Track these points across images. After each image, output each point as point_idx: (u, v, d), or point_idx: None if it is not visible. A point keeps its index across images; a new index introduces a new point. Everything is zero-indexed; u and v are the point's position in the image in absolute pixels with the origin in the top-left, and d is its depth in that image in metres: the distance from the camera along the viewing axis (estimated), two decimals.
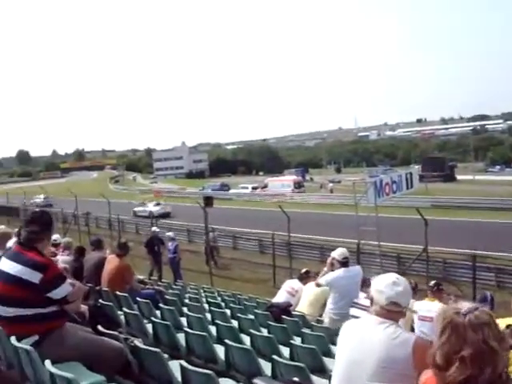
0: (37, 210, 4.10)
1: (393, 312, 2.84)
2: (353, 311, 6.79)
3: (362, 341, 2.81)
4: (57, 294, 3.66)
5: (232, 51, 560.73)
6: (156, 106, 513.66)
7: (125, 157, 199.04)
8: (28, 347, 3.26)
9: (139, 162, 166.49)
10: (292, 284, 9.70)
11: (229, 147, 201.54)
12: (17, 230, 4.50)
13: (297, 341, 6.17)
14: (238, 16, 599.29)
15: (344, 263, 7.43)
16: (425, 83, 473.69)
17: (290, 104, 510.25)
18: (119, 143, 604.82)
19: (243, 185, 70.23)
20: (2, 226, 13.77)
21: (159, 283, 12.10)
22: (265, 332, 6.56)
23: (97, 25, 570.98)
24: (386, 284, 2.87)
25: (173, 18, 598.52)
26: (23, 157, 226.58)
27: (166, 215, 40.15)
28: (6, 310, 3.59)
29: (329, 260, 7.68)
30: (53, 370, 2.98)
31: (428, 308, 6.76)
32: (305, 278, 9.58)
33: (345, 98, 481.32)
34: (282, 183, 62.48)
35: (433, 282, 7.78)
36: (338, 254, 7.53)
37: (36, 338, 3.57)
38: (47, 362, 3.04)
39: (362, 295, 7.25)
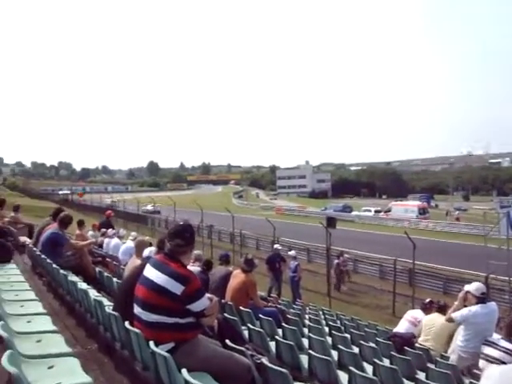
0: (181, 223, 4.22)
1: None
2: (488, 351, 6.39)
3: None
4: (196, 306, 3.77)
5: (360, 74, 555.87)
6: (282, 125, 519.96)
7: (249, 173, 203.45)
8: (166, 354, 3.37)
9: (262, 179, 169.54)
10: (415, 314, 9.40)
11: (352, 168, 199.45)
12: (158, 240, 4.69)
13: (421, 376, 5.95)
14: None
15: (481, 299, 7.04)
16: None
17: (417, 127, 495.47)
18: (245, 159, 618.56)
19: (366, 207, 69.39)
20: (134, 233, 14.61)
21: (280, 301, 12.14)
22: (387, 362, 6.39)
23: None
24: None
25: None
26: (153, 168, 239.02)
27: (157, 212, 56.24)
28: (148, 316, 3.76)
29: (461, 294, 7.32)
30: (188, 378, 3.07)
31: None
32: (428, 308, 9.25)
33: (475, 123, 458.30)
34: (405, 208, 61.06)
35: None
36: (474, 288, 7.14)
37: (171, 345, 3.70)
38: (184, 371, 3.14)
39: (495, 335, 6.84)
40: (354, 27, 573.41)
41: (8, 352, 2.65)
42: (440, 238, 40.80)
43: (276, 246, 20.33)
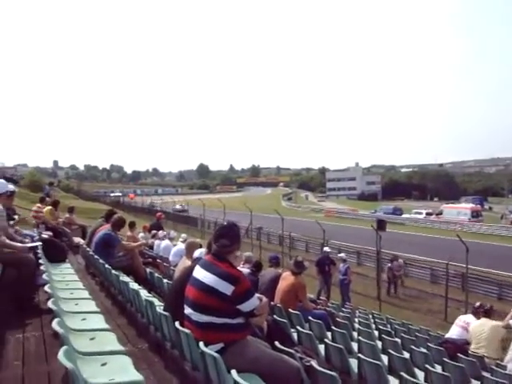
0: (225, 224, 4.26)
1: None
2: None
3: None
4: (246, 306, 3.78)
5: (411, 73, 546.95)
6: (332, 127, 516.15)
7: (298, 175, 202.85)
8: (215, 354, 3.39)
9: (312, 181, 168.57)
10: (466, 319, 9.24)
11: (403, 170, 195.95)
12: (208, 241, 4.72)
13: None
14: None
15: None
16: None
17: (470, 128, 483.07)
18: (294, 161, 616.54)
19: (417, 210, 68.12)
20: (185, 235, 14.79)
21: (329, 304, 12.07)
22: (439, 369, 6.27)
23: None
24: None
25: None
26: (203, 170, 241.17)
27: (184, 211, 61.94)
28: (198, 316, 3.79)
29: None
30: (238, 379, 3.07)
31: None
32: (478, 312, 9.07)
33: None
34: (458, 211, 59.78)
35: None
36: None
37: (221, 346, 3.71)
38: (233, 372, 3.15)
39: None
40: (391, 21, 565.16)
41: (64, 348, 2.71)
42: (494, 242, 39.77)
43: (325, 248, 20.18)
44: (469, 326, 8.87)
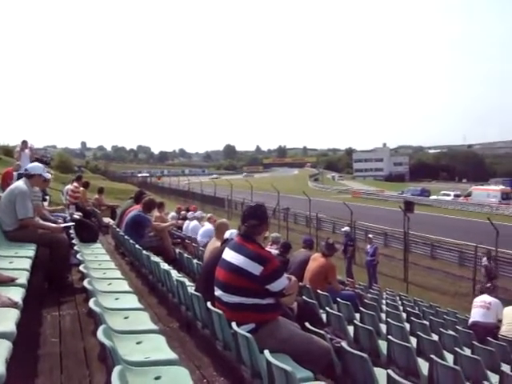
0: (252, 204, 4.30)
1: None
2: None
3: None
4: (275, 286, 3.81)
5: (436, 53, 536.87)
6: (359, 107, 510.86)
7: (325, 156, 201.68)
8: (248, 334, 3.44)
9: (339, 162, 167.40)
10: (483, 298, 9.21)
11: (431, 151, 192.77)
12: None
13: (505, 368, 5.78)
14: None
15: None
16: None
17: (499, 108, 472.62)
18: (320, 142, 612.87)
19: (445, 191, 67.35)
20: (210, 215, 14.86)
21: (356, 285, 12.07)
22: (468, 352, 6.24)
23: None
24: None
25: None
26: (230, 151, 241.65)
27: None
28: (229, 298, 3.84)
29: None
30: (270, 359, 3.10)
31: None
32: (492, 291, 9.14)
33: None
34: (487, 193, 58.88)
35: None
36: None
37: (252, 326, 3.76)
38: (266, 352, 3.18)
39: None
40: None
41: (102, 326, 2.78)
42: None
43: (345, 228, 20.07)
44: (488, 304, 8.85)
